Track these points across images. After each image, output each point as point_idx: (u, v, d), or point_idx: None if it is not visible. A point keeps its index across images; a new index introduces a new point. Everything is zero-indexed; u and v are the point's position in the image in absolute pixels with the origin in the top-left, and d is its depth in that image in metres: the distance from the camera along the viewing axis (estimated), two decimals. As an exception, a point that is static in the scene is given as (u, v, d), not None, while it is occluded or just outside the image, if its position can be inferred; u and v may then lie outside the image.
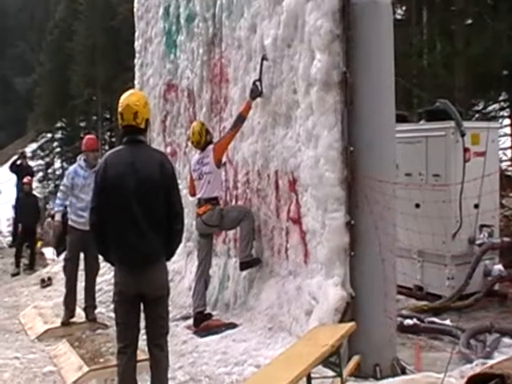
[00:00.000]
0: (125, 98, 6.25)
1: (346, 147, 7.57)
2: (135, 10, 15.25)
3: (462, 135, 11.18)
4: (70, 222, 10.46)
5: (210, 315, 9.73)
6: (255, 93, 9.38)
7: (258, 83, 9.36)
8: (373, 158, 7.50)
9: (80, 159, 10.59)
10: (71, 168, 10.76)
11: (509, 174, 17.35)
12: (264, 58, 9.23)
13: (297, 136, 8.51)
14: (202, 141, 9.85)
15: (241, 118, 9.52)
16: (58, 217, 10.84)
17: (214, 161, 9.64)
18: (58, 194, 10.71)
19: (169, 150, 12.89)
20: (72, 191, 10.38)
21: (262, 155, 9.43)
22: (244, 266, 9.59)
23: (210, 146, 9.77)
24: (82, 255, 10.57)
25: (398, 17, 22.41)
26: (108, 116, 57.44)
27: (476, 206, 10.97)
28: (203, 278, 9.80)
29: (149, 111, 6.35)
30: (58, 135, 65.11)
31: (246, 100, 9.55)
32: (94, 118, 60.38)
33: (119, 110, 6.24)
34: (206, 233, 9.92)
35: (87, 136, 11.27)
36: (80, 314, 10.55)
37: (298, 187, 8.55)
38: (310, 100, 8.01)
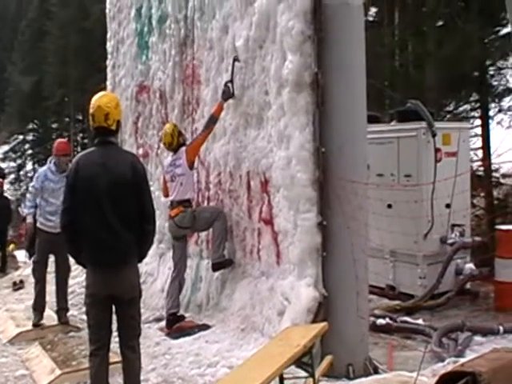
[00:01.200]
0: (96, 99, 6.26)
1: (318, 148, 7.59)
2: (107, 10, 15.19)
3: (434, 135, 11.26)
4: (38, 225, 10.42)
5: (183, 317, 9.72)
6: (227, 94, 9.36)
7: (229, 84, 9.36)
8: (344, 158, 7.52)
9: (50, 162, 10.53)
10: (41, 170, 10.70)
11: (480, 173, 17.43)
12: (236, 59, 9.25)
13: (269, 137, 8.54)
14: (174, 142, 9.82)
15: (213, 119, 9.50)
16: (29, 219, 10.77)
17: (186, 163, 9.62)
18: (28, 196, 10.67)
19: (141, 151, 12.86)
20: (42, 194, 10.34)
21: (234, 156, 9.43)
22: (216, 266, 9.58)
23: (183, 148, 9.75)
24: (52, 258, 10.55)
25: (370, 18, 22.47)
26: (80, 117, 56.99)
27: (447, 206, 11.07)
28: (178, 281, 9.78)
29: (120, 113, 6.35)
30: (30, 137, 64.65)
31: (218, 101, 9.54)
32: (67, 119, 59.97)
33: (90, 111, 6.26)
34: (179, 235, 9.91)
35: (58, 140, 11.20)
36: (52, 317, 10.50)
37: (269, 188, 8.58)
38: (282, 101, 8.04)
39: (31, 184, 10.75)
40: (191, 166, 9.74)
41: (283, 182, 8.04)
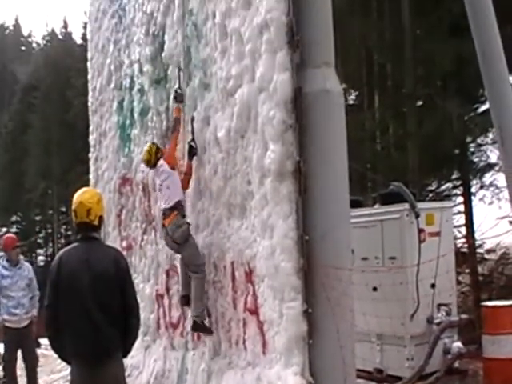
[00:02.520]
0: (78, 195, 6.37)
1: (302, 236, 7.59)
2: (89, 104, 15.43)
3: (417, 217, 11.29)
4: (4, 323, 10.46)
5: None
6: (179, 98, 10.08)
7: (192, 143, 9.91)
8: (328, 245, 7.54)
9: (2, 260, 10.65)
10: None
11: (464, 250, 17.52)
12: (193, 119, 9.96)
13: (252, 227, 8.54)
14: (152, 159, 9.95)
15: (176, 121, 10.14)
16: None
17: (167, 166, 9.72)
18: None
19: (124, 243, 12.90)
20: (1, 293, 10.42)
21: (218, 247, 9.42)
22: (195, 327, 9.56)
23: (161, 160, 9.85)
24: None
25: (351, 102, 22.77)
26: (64, 209, 57.06)
27: (433, 286, 11.05)
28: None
29: (102, 208, 6.44)
30: (14, 229, 64.46)
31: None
32: (50, 211, 60.05)
33: (73, 207, 6.36)
34: (175, 249, 9.86)
35: (5, 236, 11.52)
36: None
37: (254, 278, 8.53)
38: (265, 190, 8.08)
39: None
40: (173, 167, 9.80)
41: (267, 271, 8.03)
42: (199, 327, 9.56)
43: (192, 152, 9.98)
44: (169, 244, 9.84)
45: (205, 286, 9.59)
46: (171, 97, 10.94)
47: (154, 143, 10.34)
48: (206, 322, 9.58)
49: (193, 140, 9.99)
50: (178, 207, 9.60)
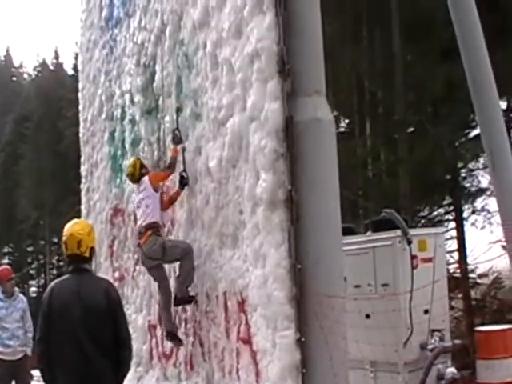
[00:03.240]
0: (69, 227, 6.37)
1: (294, 264, 7.55)
2: (81, 135, 15.45)
3: (409, 243, 11.27)
4: None
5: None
6: (176, 140, 10.06)
7: (184, 174, 9.94)
8: (321, 273, 7.47)
9: None
10: None
11: (457, 275, 17.54)
12: (181, 144, 10.02)
13: (244, 256, 8.51)
14: (136, 173, 10.13)
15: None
16: None
17: (150, 185, 9.78)
18: None
19: (117, 274, 12.83)
20: None
21: (210, 277, 9.39)
22: (177, 302, 9.65)
23: (145, 177, 9.94)
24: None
25: (342, 129, 22.86)
26: (56, 240, 56.90)
27: (426, 312, 11.02)
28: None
29: (93, 239, 6.44)
30: (6, 260, 64.26)
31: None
32: (42, 242, 59.90)
33: (63, 239, 6.37)
34: (151, 265, 9.85)
35: (0, 268, 11.41)
36: None
37: (247, 307, 8.48)
38: (257, 220, 8.05)
39: None
40: (156, 189, 9.85)
41: (260, 300, 7.99)
42: (183, 301, 9.65)
43: (183, 182, 10.00)
44: (144, 262, 9.90)
45: (193, 269, 9.59)
46: (162, 127, 10.97)
47: (138, 158, 10.53)
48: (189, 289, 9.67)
49: (184, 170, 10.00)
50: (153, 228, 9.64)
